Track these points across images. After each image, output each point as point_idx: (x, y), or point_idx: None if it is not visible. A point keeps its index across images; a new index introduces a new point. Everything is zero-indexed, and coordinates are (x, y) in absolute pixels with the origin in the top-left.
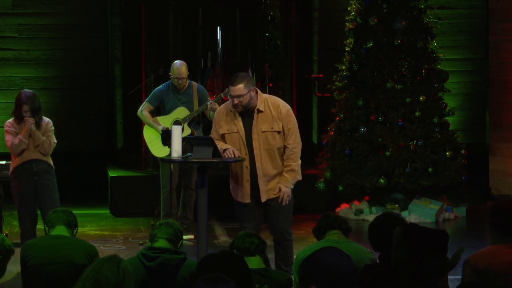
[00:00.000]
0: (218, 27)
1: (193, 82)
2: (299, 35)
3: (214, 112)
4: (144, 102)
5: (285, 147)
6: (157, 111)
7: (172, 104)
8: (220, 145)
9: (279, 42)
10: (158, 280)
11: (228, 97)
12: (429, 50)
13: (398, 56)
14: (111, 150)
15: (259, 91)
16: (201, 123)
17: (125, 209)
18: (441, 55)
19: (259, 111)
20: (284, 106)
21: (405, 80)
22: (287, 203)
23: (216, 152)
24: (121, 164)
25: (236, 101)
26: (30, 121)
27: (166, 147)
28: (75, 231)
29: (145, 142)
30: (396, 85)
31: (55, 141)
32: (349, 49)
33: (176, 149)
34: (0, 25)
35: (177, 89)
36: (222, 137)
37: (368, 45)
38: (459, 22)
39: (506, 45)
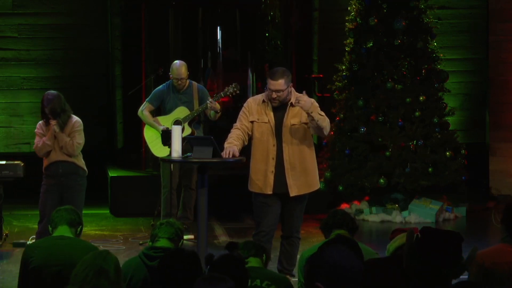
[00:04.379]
0: (218, 27)
1: (193, 82)
2: (299, 35)
3: (214, 111)
4: (145, 102)
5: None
6: (158, 111)
7: (173, 104)
8: (230, 140)
9: (279, 42)
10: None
11: (267, 89)
12: (429, 50)
13: (398, 56)
14: (111, 150)
15: (293, 88)
16: (201, 123)
17: (125, 209)
18: (441, 55)
19: (292, 105)
20: (315, 101)
21: (405, 80)
22: (301, 102)
23: (216, 152)
24: (121, 164)
25: (274, 95)
26: (52, 123)
27: (167, 147)
28: (78, 229)
29: (145, 142)
30: (396, 85)
31: (80, 141)
32: (349, 49)
33: (176, 149)
34: (0, 25)
35: (177, 89)
36: (251, 124)
37: (368, 45)
38: (459, 22)
39: (506, 45)
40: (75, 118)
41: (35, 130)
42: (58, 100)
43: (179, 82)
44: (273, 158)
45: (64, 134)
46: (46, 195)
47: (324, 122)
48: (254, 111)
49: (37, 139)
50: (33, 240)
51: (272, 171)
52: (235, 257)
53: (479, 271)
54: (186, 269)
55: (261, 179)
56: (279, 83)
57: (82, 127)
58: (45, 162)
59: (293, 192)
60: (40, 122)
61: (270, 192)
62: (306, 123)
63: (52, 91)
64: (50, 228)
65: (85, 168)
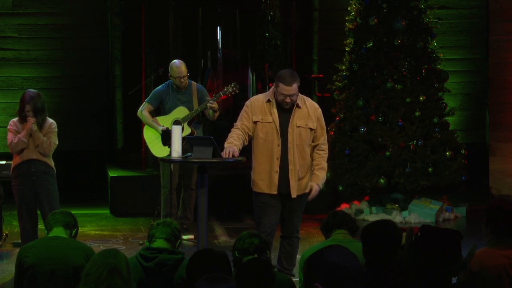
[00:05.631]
0: (218, 27)
1: (193, 82)
2: (299, 35)
3: (214, 111)
4: (144, 102)
5: (316, 146)
6: (157, 111)
7: (172, 104)
8: (230, 140)
9: (279, 42)
10: (155, 280)
11: (277, 94)
12: (429, 50)
13: (398, 56)
14: (111, 150)
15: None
16: (201, 123)
17: (125, 209)
18: (441, 55)
19: (297, 106)
20: (319, 107)
21: (405, 80)
22: (314, 197)
23: (216, 152)
24: (121, 164)
25: (288, 100)
26: (31, 121)
27: (166, 147)
28: (74, 232)
29: (145, 142)
30: (396, 85)
31: (56, 142)
32: (349, 49)
33: (176, 149)
34: (0, 25)
35: (179, 88)
36: (254, 124)
37: (368, 45)
38: (459, 22)
39: (506, 45)
40: (50, 119)
41: (8, 127)
42: (40, 99)
43: (182, 80)
44: (277, 158)
45: (40, 133)
46: (20, 196)
47: (325, 170)
48: (258, 111)
49: (11, 136)
50: None
51: (277, 171)
52: (264, 261)
53: (466, 275)
54: (216, 270)
55: (266, 179)
56: (294, 88)
57: (57, 129)
58: (17, 160)
59: (294, 194)
60: (14, 119)
61: (275, 192)
62: (310, 128)
63: (34, 90)
64: (45, 231)
65: (55, 169)
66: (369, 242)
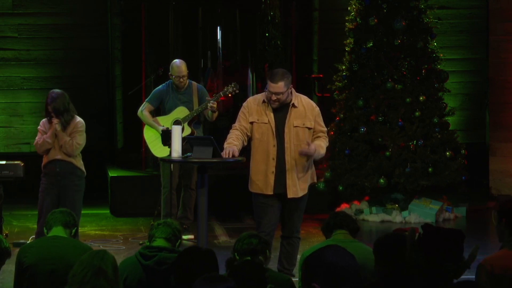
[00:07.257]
0: (218, 27)
1: (193, 82)
2: (299, 35)
3: (213, 111)
4: (144, 102)
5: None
6: (157, 111)
7: (172, 104)
8: (229, 141)
9: (279, 42)
10: (155, 278)
11: (266, 91)
12: (429, 50)
13: (398, 56)
14: (111, 150)
15: (293, 89)
16: (201, 123)
17: (125, 209)
18: (441, 55)
19: (293, 106)
20: (316, 106)
21: (405, 80)
22: (305, 152)
23: (216, 152)
24: (121, 164)
25: (274, 98)
26: (54, 121)
27: (167, 147)
28: (73, 231)
29: (145, 142)
30: (396, 85)
31: (80, 142)
32: (349, 49)
33: (176, 149)
34: (0, 25)
35: (178, 88)
36: (251, 125)
37: (368, 45)
38: (459, 22)
39: (506, 45)
40: (78, 118)
41: (38, 127)
42: (62, 99)
43: (181, 79)
44: (273, 159)
45: (65, 134)
46: (44, 194)
47: (323, 149)
48: (254, 112)
49: (38, 136)
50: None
51: (273, 172)
52: (256, 263)
53: (489, 278)
54: (203, 266)
55: (262, 180)
56: (279, 86)
57: (84, 129)
58: (44, 160)
59: (290, 194)
60: (44, 119)
61: (270, 193)
62: (308, 127)
63: (57, 90)
64: (45, 230)
65: (83, 169)
66: (381, 253)
